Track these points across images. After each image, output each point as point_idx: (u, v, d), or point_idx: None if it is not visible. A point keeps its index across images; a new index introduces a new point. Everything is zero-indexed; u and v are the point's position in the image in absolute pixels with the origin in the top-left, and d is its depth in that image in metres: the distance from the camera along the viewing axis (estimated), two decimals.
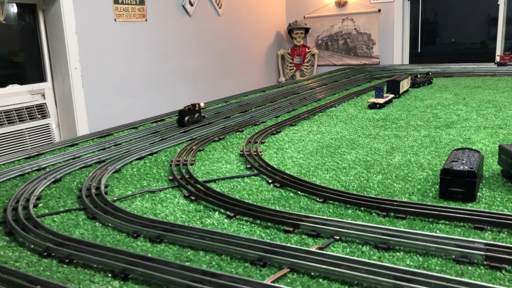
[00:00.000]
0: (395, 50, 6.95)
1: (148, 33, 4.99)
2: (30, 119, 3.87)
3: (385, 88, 3.47)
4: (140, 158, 2.24)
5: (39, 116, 3.96)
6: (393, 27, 6.92)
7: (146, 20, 5.06)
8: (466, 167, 1.53)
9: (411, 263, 1.16)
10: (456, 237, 1.22)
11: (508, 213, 1.39)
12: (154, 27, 5.00)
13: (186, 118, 2.82)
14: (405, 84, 3.68)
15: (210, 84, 5.88)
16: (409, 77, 3.93)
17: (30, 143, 3.83)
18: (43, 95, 4.27)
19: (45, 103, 4.02)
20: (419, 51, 7.62)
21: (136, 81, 4.89)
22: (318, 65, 7.49)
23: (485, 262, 1.13)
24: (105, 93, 4.57)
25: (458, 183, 1.52)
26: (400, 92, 3.56)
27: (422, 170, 1.87)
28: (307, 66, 7.50)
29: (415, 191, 1.64)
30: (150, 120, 3.11)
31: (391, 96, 3.41)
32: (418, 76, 4.19)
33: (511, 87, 3.81)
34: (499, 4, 6.50)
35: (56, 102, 4.41)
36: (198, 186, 1.77)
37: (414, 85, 4.03)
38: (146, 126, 2.97)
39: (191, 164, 2.09)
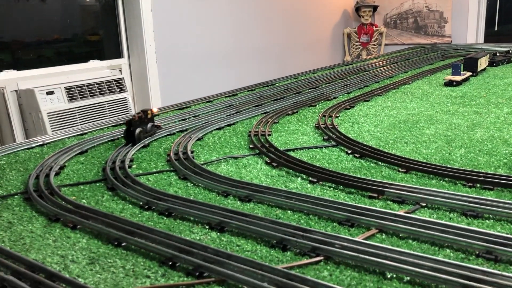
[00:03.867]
0: (469, 28, 6.62)
1: (219, 11, 5.09)
2: (109, 92, 4.11)
3: (462, 66, 3.35)
4: (219, 129, 2.35)
5: (118, 90, 4.20)
6: (468, 4, 6.58)
7: None
8: None
9: (503, 230, 1.16)
10: None
11: None
12: (226, 5, 5.09)
13: (138, 131, 2.07)
14: (483, 62, 3.53)
15: (277, 62, 5.93)
16: (488, 55, 3.76)
17: (109, 115, 4.08)
18: (121, 71, 4.51)
19: (123, 78, 4.25)
20: (495, 29, 7.22)
21: (208, 58, 5.03)
22: (386, 44, 7.30)
23: None
24: (178, 69, 4.75)
25: None
26: (478, 70, 3.43)
27: (507, 145, 1.82)
28: (374, 45, 7.33)
29: (501, 165, 1.62)
30: (224, 95, 3.21)
31: (468, 74, 3.29)
32: (497, 54, 4.00)
33: None
34: None
35: (131, 78, 4.64)
36: (279, 154, 1.83)
37: (492, 63, 3.85)
38: (221, 100, 3.07)
39: (269, 135, 2.16)
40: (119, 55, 4.69)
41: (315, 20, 6.82)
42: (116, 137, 2.25)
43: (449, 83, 3.09)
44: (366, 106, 2.68)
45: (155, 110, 2.19)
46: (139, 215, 1.38)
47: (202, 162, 1.80)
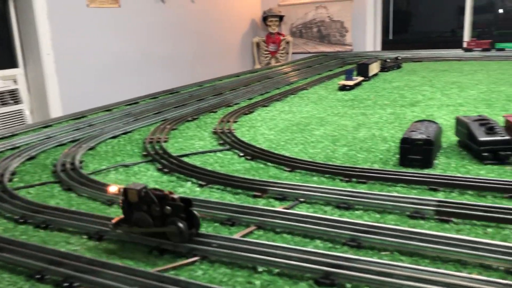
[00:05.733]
0: (367, 37, 7.08)
1: (122, 19, 4.97)
2: (2, 104, 3.83)
3: (355, 72, 3.57)
4: (114, 137, 2.28)
5: (12, 101, 3.93)
6: (365, 15, 7.04)
7: (119, 6, 5.04)
8: (423, 136, 1.63)
9: (369, 219, 1.25)
10: (410, 195, 1.32)
11: (460, 175, 1.50)
12: (128, 13, 4.99)
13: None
14: (374, 68, 3.79)
15: (185, 70, 5.90)
16: (379, 61, 4.05)
17: (2, 129, 3.80)
18: (15, 81, 4.23)
19: (17, 89, 3.99)
20: (390, 38, 7.80)
21: (111, 67, 4.88)
22: (293, 53, 7.57)
23: (435, 216, 1.23)
24: (81, 79, 4.55)
25: (416, 151, 1.62)
26: (370, 75, 3.67)
27: (385, 142, 1.97)
28: (282, 53, 7.57)
29: (377, 160, 1.74)
30: (124, 103, 3.14)
31: (360, 78, 3.52)
32: (388, 60, 4.31)
33: (475, 70, 3.97)
34: None
35: (29, 88, 4.37)
36: (171, 160, 1.82)
37: (384, 69, 4.15)
38: (121, 108, 3.00)
39: (165, 141, 2.14)
40: (13, 64, 4.40)
41: (224, 29, 6.90)
42: (0, 150, 2.10)
43: (343, 88, 3.28)
44: (265, 111, 2.76)
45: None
46: (13, 230, 1.30)
47: (89, 172, 1.73)
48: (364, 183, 1.51)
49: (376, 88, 3.34)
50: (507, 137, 1.62)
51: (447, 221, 1.21)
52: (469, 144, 1.72)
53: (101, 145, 2.14)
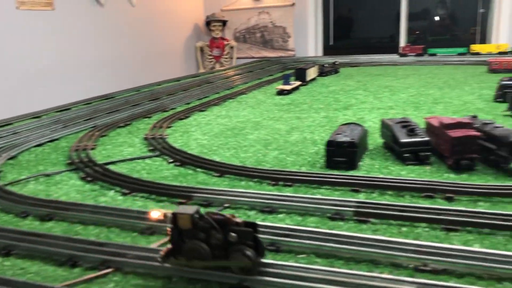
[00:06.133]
0: (309, 43, 7.21)
1: (56, 23, 4.77)
2: None
3: (293, 77, 3.62)
4: (39, 145, 2.17)
5: None
6: (307, 21, 7.18)
7: (53, 8, 4.84)
8: (348, 139, 1.66)
9: (291, 222, 1.25)
10: (332, 197, 1.34)
11: (382, 176, 1.54)
12: (63, 17, 4.79)
13: None
14: (312, 73, 3.86)
15: (124, 75, 5.75)
16: (317, 66, 4.13)
17: None
18: None
19: None
20: (331, 44, 8.00)
21: (44, 72, 4.66)
22: (237, 58, 7.58)
23: (354, 218, 1.25)
24: (6, 85, 4.31)
25: (341, 153, 1.65)
26: (307, 79, 3.73)
27: (314, 145, 1.99)
28: (226, 58, 7.56)
29: (305, 163, 1.76)
30: (54, 110, 3.00)
31: (298, 83, 3.56)
32: (325, 65, 4.41)
33: (407, 74, 4.14)
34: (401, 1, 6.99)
35: None
36: (96, 168, 1.75)
37: (322, 73, 4.23)
38: (50, 115, 2.86)
39: (92, 149, 2.06)
40: None
41: (166, 33, 6.80)
42: None
43: (281, 92, 3.31)
44: (201, 116, 2.73)
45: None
46: None
47: (6, 183, 1.63)
48: (290, 185, 1.51)
49: (313, 93, 3.39)
50: (426, 138, 1.69)
51: (365, 222, 1.23)
52: (393, 145, 1.78)
53: (23, 154, 2.03)
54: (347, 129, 1.79)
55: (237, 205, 1.37)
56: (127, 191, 1.53)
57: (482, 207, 1.30)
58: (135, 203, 1.44)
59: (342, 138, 1.67)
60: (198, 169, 1.74)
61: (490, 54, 5.17)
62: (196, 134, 2.30)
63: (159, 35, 6.48)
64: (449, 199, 1.36)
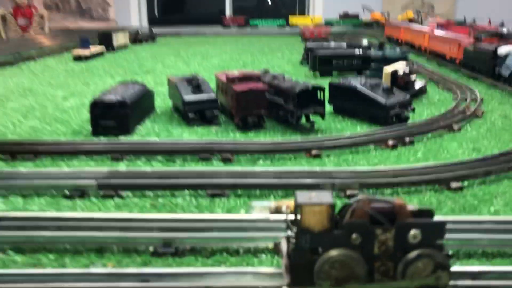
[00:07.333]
0: (131, 13, 6.79)
1: None
2: None
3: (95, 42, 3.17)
4: None
5: None
6: None
7: None
8: (118, 98, 1.34)
9: (5, 207, 0.90)
10: (72, 170, 1.01)
11: (153, 140, 1.27)
12: None
13: None
14: (120, 38, 3.46)
15: None
16: (127, 32, 3.75)
17: None
18: None
19: None
20: (157, 15, 7.97)
21: None
22: (53, 29, 6.69)
23: (100, 192, 0.95)
24: None
25: (110, 115, 1.32)
26: (115, 45, 3.33)
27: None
28: (37, 29, 6.61)
29: (70, 132, 1.41)
30: None
31: (100, 48, 3.14)
32: (140, 33, 4.06)
33: (226, 43, 4.05)
34: None
35: None
36: None
37: (136, 40, 3.88)
38: None
39: None
40: None
41: None
42: None
43: (78, 58, 2.86)
44: None
45: None
46: None
47: None
48: (31, 160, 1.15)
49: (118, 59, 3.04)
50: (213, 95, 1.46)
51: (111, 196, 0.94)
52: (179, 105, 1.53)
53: None
54: (124, 88, 1.47)
55: None
56: None
57: (261, 165, 1.12)
58: None
59: (111, 98, 1.34)
60: None
61: (306, 26, 5.40)
62: None
63: None
64: (227, 160, 1.16)
